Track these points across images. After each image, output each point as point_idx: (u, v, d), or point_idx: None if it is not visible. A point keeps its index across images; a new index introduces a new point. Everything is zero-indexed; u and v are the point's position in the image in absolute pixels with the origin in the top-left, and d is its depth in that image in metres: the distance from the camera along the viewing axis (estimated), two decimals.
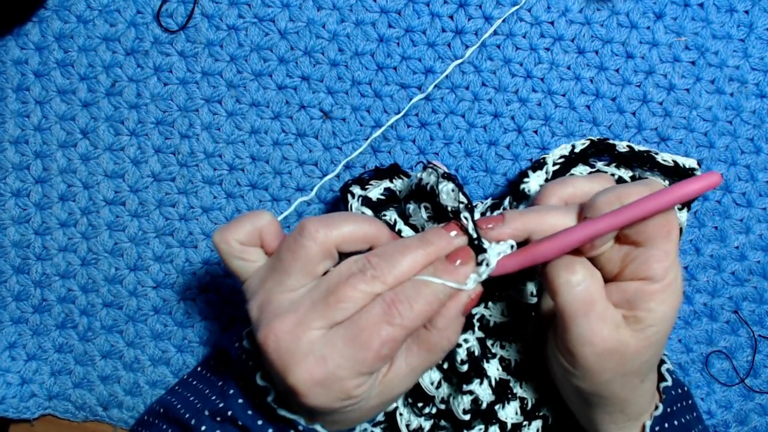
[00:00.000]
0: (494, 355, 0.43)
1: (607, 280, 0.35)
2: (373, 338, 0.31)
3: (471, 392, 0.41)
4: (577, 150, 0.46)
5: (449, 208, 0.36)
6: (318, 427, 0.34)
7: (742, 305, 0.53)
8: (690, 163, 0.45)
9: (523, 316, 0.44)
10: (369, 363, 0.31)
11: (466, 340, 0.41)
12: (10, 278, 0.53)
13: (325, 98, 0.51)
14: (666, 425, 0.38)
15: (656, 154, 0.46)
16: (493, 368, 0.43)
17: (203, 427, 0.37)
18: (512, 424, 0.42)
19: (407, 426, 0.42)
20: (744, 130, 0.51)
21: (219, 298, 0.53)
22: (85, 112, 0.51)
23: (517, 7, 0.49)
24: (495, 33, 0.50)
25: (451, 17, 0.49)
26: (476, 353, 0.41)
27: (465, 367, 0.40)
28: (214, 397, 0.39)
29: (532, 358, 0.43)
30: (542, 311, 0.40)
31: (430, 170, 0.39)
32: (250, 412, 0.36)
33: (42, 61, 0.51)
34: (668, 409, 0.39)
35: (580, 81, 0.50)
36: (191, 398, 0.42)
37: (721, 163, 0.51)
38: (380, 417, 0.43)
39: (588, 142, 0.47)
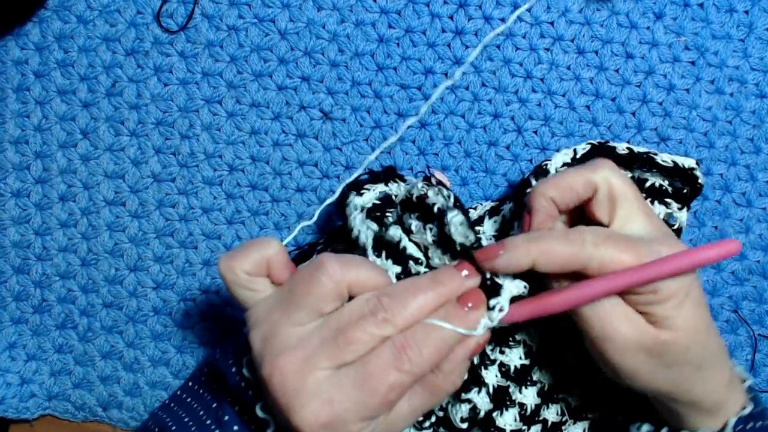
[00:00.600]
0: (493, 362, 0.43)
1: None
2: (382, 384, 0.31)
3: (469, 401, 0.41)
4: (578, 155, 0.46)
5: (458, 244, 0.36)
6: None
7: (741, 305, 0.53)
8: (689, 163, 0.45)
9: (524, 323, 0.43)
10: (375, 408, 0.31)
11: None
12: (10, 278, 0.53)
13: (325, 99, 0.51)
14: (749, 426, 0.38)
15: (655, 155, 0.46)
16: (492, 375, 0.43)
17: None
18: (511, 431, 0.42)
19: None
20: (744, 130, 0.51)
21: (219, 299, 0.53)
22: (86, 112, 0.51)
23: (519, 11, 0.49)
24: (495, 33, 0.50)
25: (451, 17, 0.50)
26: (474, 362, 0.41)
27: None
28: (209, 422, 0.39)
29: (531, 363, 0.43)
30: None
31: (436, 190, 0.39)
32: None
33: (42, 61, 0.51)
34: (754, 411, 0.38)
35: (579, 81, 0.50)
36: (185, 419, 0.41)
37: (721, 162, 0.51)
38: None
39: (589, 147, 0.46)
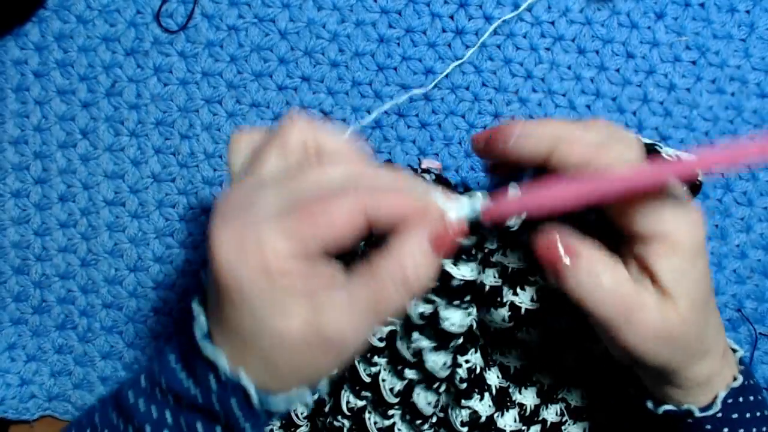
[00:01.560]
0: (494, 363, 0.43)
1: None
2: (315, 202, 0.26)
3: (469, 407, 0.40)
4: None
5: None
6: (242, 373, 0.27)
7: (745, 303, 0.53)
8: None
9: (521, 321, 0.43)
10: (301, 223, 0.25)
11: (467, 361, 0.40)
12: (10, 279, 0.53)
13: (325, 99, 0.51)
14: (741, 399, 0.35)
15: (661, 147, 0.46)
16: (494, 376, 0.43)
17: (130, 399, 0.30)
18: (511, 431, 0.42)
19: None
20: (745, 130, 0.51)
21: None
22: (85, 112, 0.51)
23: (517, 11, 0.49)
24: (495, 33, 0.50)
25: (452, 17, 0.49)
26: (478, 370, 0.41)
27: (464, 385, 0.40)
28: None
29: (531, 363, 0.43)
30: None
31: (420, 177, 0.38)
32: (171, 362, 0.30)
33: (42, 61, 0.50)
34: (745, 383, 0.36)
35: (580, 81, 0.50)
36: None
37: None
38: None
39: None
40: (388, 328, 0.40)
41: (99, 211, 0.52)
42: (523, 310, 0.40)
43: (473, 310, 0.39)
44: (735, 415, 0.35)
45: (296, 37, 0.50)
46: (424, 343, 0.38)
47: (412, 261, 0.27)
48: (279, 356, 0.27)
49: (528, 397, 0.43)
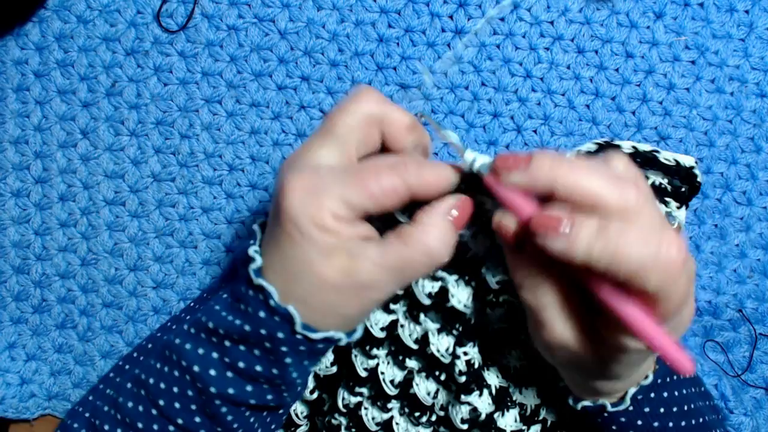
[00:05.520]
0: (494, 362, 0.43)
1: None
2: (371, 177, 0.31)
3: (469, 403, 0.40)
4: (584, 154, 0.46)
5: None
6: (291, 308, 0.32)
7: (745, 303, 0.53)
8: (688, 161, 0.45)
9: (521, 322, 0.43)
10: (357, 195, 0.31)
11: (465, 353, 0.41)
12: (10, 278, 0.53)
13: (325, 98, 0.51)
14: (653, 395, 0.37)
15: (658, 152, 0.46)
16: (494, 375, 0.43)
17: (177, 340, 0.36)
18: (511, 431, 0.42)
19: None
20: (744, 129, 0.51)
21: None
22: (85, 112, 0.51)
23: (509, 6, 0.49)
24: (495, 33, 0.50)
25: (451, 17, 0.50)
26: (476, 365, 0.41)
27: (463, 379, 0.40)
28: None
29: (532, 363, 0.43)
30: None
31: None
32: (217, 308, 0.35)
33: (42, 61, 0.51)
34: (659, 380, 0.38)
35: (579, 80, 0.50)
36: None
37: (721, 161, 0.51)
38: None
39: (596, 146, 0.46)
40: (389, 318, 0.40)
41: (99, 211, 0.52)
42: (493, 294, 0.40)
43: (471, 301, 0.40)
44: (647, 409, 0.38)
45: (296, 37, 0.50)
46: (430, 324, 0.39)
47: (435, 241, 0.32)
48: (317, 296, 0.32)
49: (528, 397, 0.43)
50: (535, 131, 0.51)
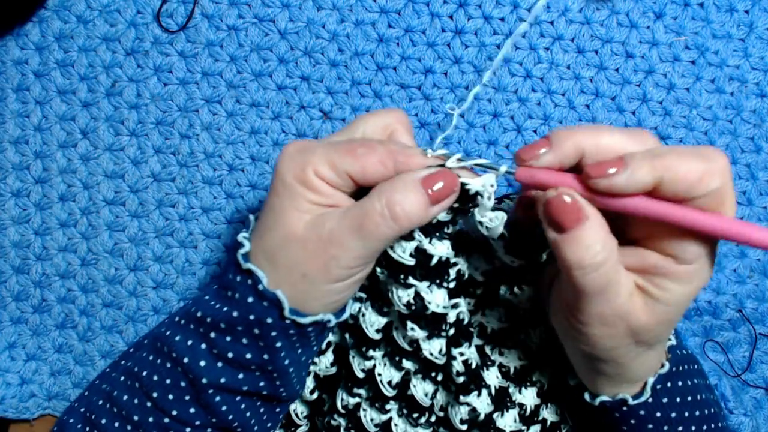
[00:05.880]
0: (493, 363, 0.43)
1: (627, 241, 0.33)
2: (360, 143, 0.33)
3: (468, 404, 0.40)
4: None
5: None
6: (279, 293, 0.33)
7: (746, 303, 0.53)
8: None
9: (521, 322, 0.43)
10: (341, 154, 0.33)
11: (462, 353, 0.41)
12: (10, 278, 0.53)
13: (325, 98, 0.51)
14: (669, 384, 0.37)
15: None
16: (493, 376, 0.43)
17: (167, 332, 0.37)
18: (510, 431, 0.42)
19: None
20: (744, 129, 0.51)
21: None
22: (85, 112, 0.51)
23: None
24: (494, 32, 0.50)
25: (451, 17, 0.50)
26: (474, 365, 0.41)
27: (461, 379, 0.40)
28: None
29: (531, 363, 0.43)
30: (547, 270, 0.38)
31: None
32: (206, 297, 0.36)
33: (42, 61, 0.51)
34: (673, 369, 0.38)
35: (579, 80, 0.50)
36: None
37: None
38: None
39: None
40: (385, 320, 0.40)
41: (99, 211, 0.52)
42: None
43: (462, 301, 0.39)
44: (665, 400, 0.37)
45: (296, 37, 0.50)
46: (418, 332, 0.38)
47: (400, 195, 0.32)
48: (283, 249, 0.33)
49: (528, 397, 0.43)
50: (535, 131, 0.51)
